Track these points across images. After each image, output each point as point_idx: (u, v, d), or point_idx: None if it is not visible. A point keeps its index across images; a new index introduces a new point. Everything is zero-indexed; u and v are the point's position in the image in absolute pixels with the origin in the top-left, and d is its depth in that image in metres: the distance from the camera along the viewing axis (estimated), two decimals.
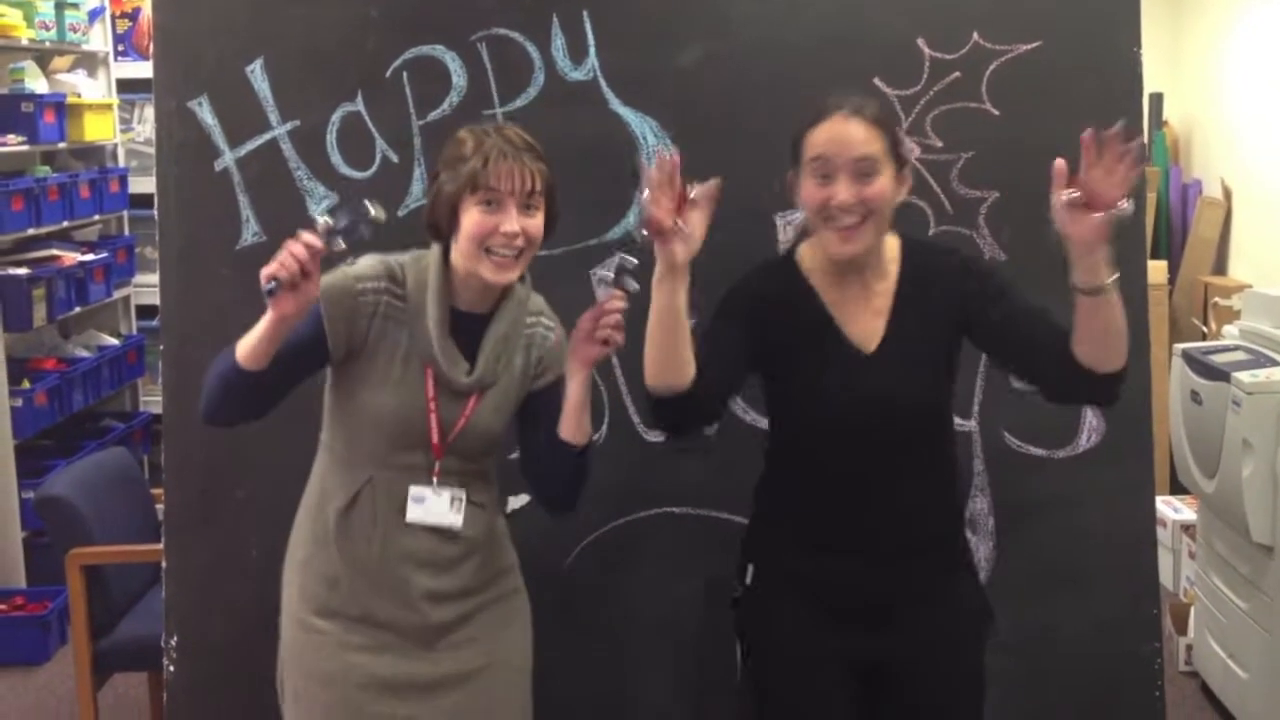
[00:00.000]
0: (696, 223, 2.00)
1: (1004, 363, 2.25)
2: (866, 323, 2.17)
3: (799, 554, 2.20)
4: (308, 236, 2.00)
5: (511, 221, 2.10)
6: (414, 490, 2.17)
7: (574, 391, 2.16)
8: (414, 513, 2.17)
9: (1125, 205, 1.95)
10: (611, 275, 2.12)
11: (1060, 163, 1.94)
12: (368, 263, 2.19)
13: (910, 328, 2.17)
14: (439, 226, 2.17)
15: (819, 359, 2.16)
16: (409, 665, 2.18)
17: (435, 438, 2.17)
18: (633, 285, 2.08)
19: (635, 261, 2.10)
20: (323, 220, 2.03)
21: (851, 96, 2.13)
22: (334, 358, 2.17)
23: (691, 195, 2.00)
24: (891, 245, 2.21)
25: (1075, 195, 1.93)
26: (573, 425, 2.18)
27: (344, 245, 2.03)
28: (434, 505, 2.17)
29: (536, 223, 2.14)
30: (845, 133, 2.09)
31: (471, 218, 2.10)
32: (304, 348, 2.13)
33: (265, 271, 1.99)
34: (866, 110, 2.11)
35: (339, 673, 2.19)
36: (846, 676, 2.19)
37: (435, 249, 2.20)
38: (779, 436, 2.29)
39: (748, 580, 2.27)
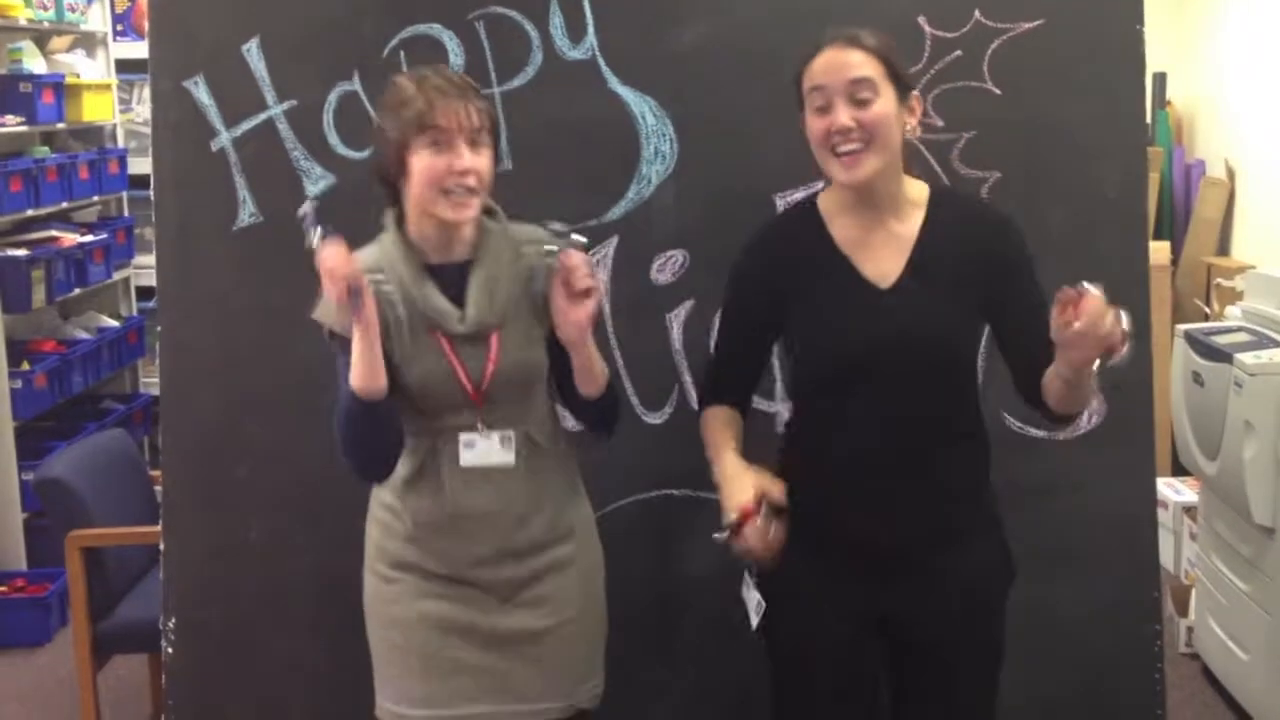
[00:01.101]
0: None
1: (995, 336, 2.26)
2: (885, 261, 2.16)
3: (820, 505, 2.18)
4: (329, 259, 2.03)
5: (463, 158, 2.11)
6: (464, 437, 2.19)
7: (579, 360, 2.19)
8: (466, 458, 2.20)
9: (1122, 353, 1.92)
10: (552, 246, 2.15)
11: (1065, 293, 1.90)
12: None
13: (932, 268, 2.15)
14: (388, 177, 2.18)
15: (835, 296, 2.16)
16: (483, 616, 2.23)
17: (471, 390, 2.18)
18: (580, 240, 2.14)
19: (560, 226, 2.17)
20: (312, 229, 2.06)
21: (845, 29, 2.13)
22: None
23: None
24: (917, 188, 2.20)
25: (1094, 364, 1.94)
26: (586, 382, 2.22)
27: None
28: (484, 447, 2.20)
29: (486, 160, 2.15)
30: (838, 58, 2.09)
31: (422, 160, 2.11)
32: None
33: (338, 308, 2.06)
34: (861, 38, 2.11)
35: (414, 618, 2.24)
36: (864, 631, 2.18)
37: (389, 217, 2.22)
38: (800, 383, 2.27)
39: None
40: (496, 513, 2.21)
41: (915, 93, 2.14)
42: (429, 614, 2.24)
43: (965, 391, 2.24)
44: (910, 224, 2.18)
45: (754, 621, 2.23)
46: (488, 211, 2.24)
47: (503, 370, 2.20)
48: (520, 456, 2.23)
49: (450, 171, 2.11)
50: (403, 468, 2.24)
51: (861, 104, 2.07)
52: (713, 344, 2.42)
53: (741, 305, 2.27)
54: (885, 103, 2.08)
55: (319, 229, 2.05)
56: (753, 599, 2.24)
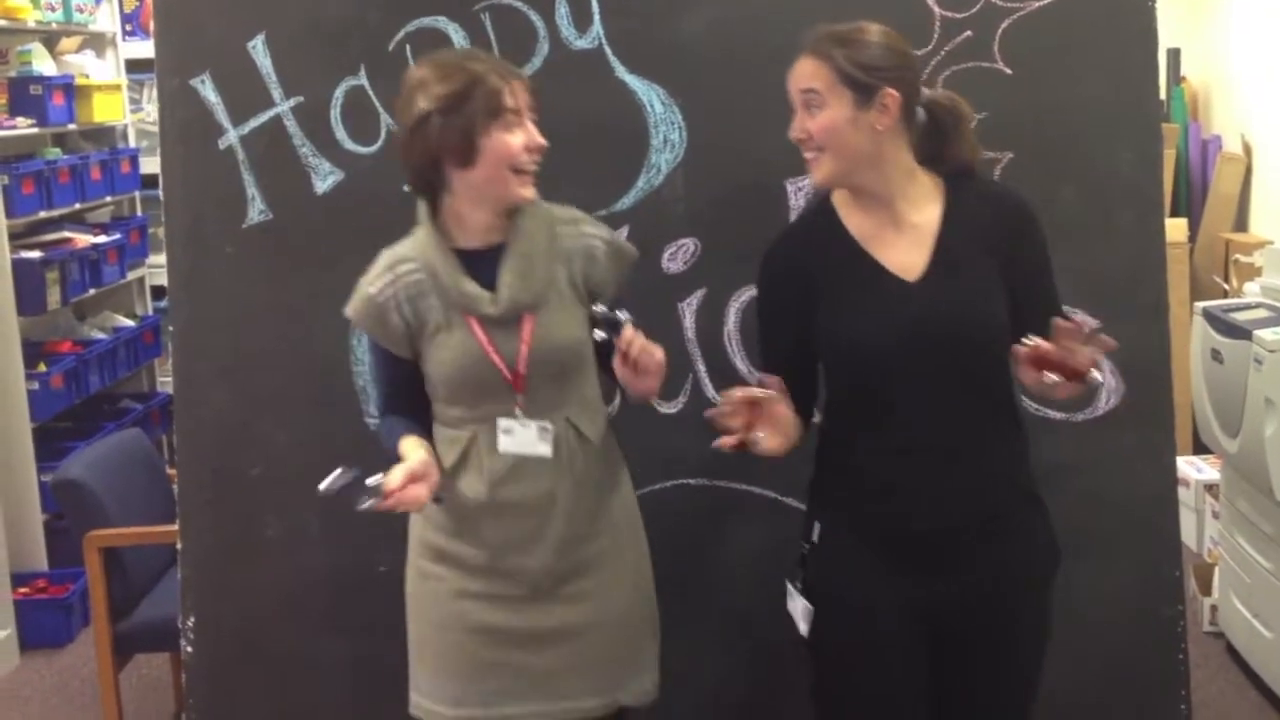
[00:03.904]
0: (773, 429, 2.04)
1: None
2: (907, 253, 2.14)
3: (864, 501, 2.17)
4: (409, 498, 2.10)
5: (535, 134, 2.17)
6: (502, 423, 2.20)
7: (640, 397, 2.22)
8: (504, 443, 2.20)
9: (1095, 377, 1.98)
10: (603, 333, 2.15)
11: (1021, 350, 1.97)
12: (376, 265, 2.25)
13: (958, 256, 2.13)
14: (442, 164, 2.15)
15: (861, 291, 2.14)
16: (520, 617, 2.22)
17: (507, 374, 2.18)
18: (623, 318, 2.12)
19: (603, 309, 2.16)
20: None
21: (821, 29, 2.14)
22: (411, 357, 2.24)
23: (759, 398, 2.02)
24: (930, 176, 2.18)
25: (1056, 382, 1.97)
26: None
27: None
28: (521, 435, 2.20)
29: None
30: (796, 69, 2.13)
31: (499, 141, 2.13)
32: (398, 368, 2.25)
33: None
34: (818, 44, 2.12)
35: (452, 618, 2.24)
36: (912, 626, 2.16)
37: (422, 207, 2.22)
38: (834, 382, 2.24)
39: (814, 537, 2.23)
40: (536, 502, 2.21)
41: (889, 90, 2.09)
42: (466, 614, 2.23)
43: (1000, 376, 2.18)
44: (928, 214, 2.16)
45: (804, 629, 2.20)
46: None
47: (538, 352, 2.19)
48: (562, 445, 2.21)
49: (526, 149, 2.15)
50: (444, 460, 2.23)
51: (811, 111, 2.11)
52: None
53: (775, 313, 2.24)
54: (833, 111, 2.09)
55: (366, 499, 2.07)
56: (799, 605, 2.21)
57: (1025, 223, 2.20)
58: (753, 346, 2.72)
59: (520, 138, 2.14)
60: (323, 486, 2.06)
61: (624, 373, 2.13)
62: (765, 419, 2.03)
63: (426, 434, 2.25)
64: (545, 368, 2.20)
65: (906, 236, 2.15)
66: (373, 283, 2.23)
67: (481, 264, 2.20)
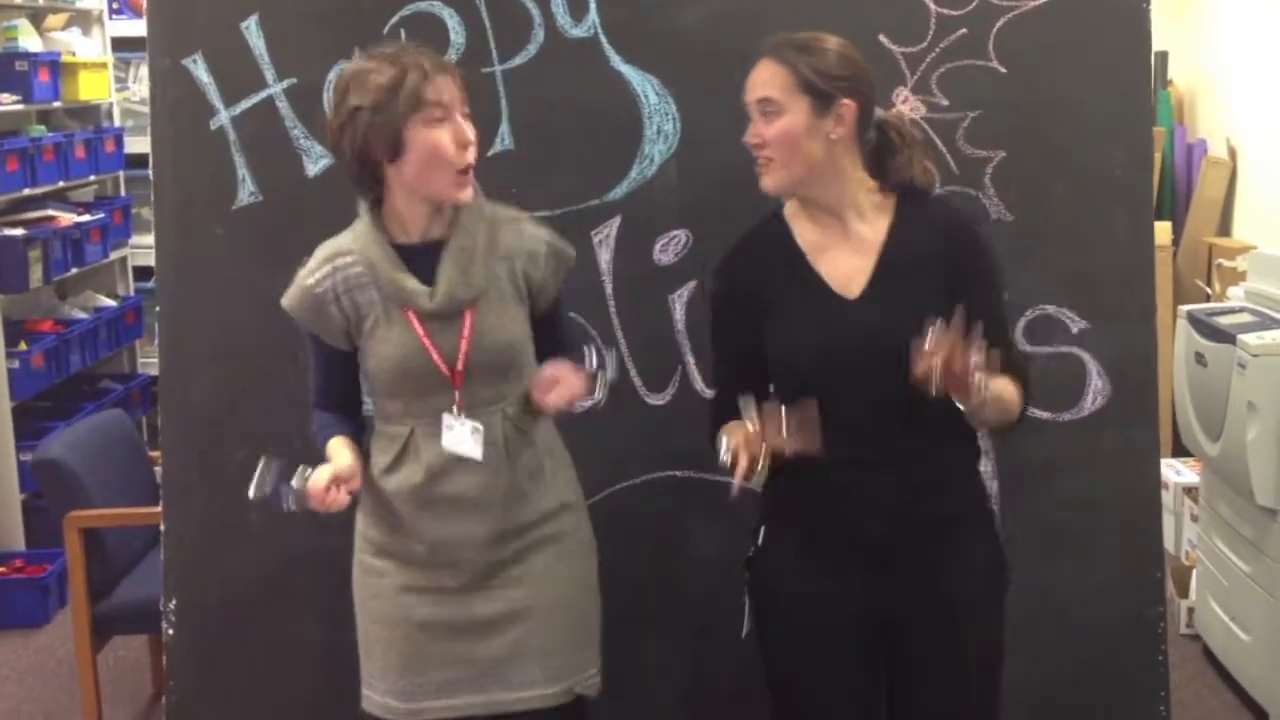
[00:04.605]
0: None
1: None
2: (850, 267, 2.14)
3: (801, 508, 2.18)
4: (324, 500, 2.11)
5: (464, 130, 2.13)
6: (445, 419, 2.19)
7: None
8: (446, 439, 2.19)
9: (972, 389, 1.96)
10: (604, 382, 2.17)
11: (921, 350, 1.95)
12: (314, 257, 2.24)
13: (899, 275, 2.13)
14: (374, 163, 2.14)
15: (802, 306, 2.15)
16: (462, 607, 2.22)
17: (445, 369, 2.17)
18: (604, 372, 2.14)
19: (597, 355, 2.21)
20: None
21: (779, 36, 2.14)
22: (348, 349, 2.24)
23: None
24: (880, 194, 2.18)
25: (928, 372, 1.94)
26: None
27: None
28: (457, 433, 2.19)
29: (474, 131, 2.16)
30: (754, 76, 2.15)
31: (426, 137, 2.10)
32: (334, 360, 2.25)
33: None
34: (776, 51, 2.12)
35: (396, 613, 2.24)
36: (858, 635, 2.17)
37: (362, 205, 2.22)
38: (779, 389, 2.24)
39: (759, 540, 2.25)
40: (474, 496, 2.20)
41: (846, 100, 2.10)
42: (410, 609, 2.23)
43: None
44: (876, 227, 2.16)
45: (745, 627, 2.22)
46: None
47: (478, 349, 2.18)
48: (500, 440, 2.20)
49: (457, 144, 2.11)
50: (383, 455, 2.23)
51: (767, 119, 2.12)
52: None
53: (725, 323, 2.26)
54: (790, 118, 2.09)
55: (288, 494, 2.08)
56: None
57: (970, 247, 2.20)
58: None
59: (446, 133, 2.11)
60: (253, 494, 2.06)
61: (538, 392, 2.16)
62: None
63: (356, 431, 2.27)
64: (484, 364, 2.19)
65: (853, 249, 2.15)
66: (311, 274, 2.22)
67: (421, 260, 2.18)
